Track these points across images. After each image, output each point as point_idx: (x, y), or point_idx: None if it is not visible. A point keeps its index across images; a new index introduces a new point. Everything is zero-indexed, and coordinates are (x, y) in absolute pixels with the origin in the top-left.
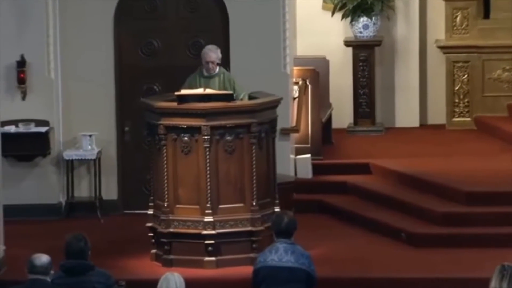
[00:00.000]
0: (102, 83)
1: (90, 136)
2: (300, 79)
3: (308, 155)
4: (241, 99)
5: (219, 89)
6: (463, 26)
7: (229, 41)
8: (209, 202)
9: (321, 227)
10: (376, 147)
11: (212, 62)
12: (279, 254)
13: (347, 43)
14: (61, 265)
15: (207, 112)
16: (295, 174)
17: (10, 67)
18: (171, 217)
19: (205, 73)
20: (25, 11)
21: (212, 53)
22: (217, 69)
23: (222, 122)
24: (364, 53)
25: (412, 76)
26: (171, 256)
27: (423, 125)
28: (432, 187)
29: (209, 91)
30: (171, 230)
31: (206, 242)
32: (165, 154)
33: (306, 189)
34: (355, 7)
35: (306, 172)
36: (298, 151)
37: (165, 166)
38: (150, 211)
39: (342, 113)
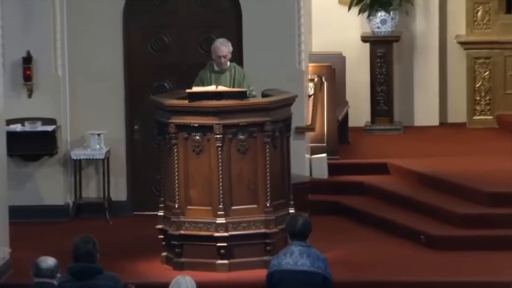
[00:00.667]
0: (111, 80)
1: (99, 135)
2: (315, 76)
3: (324, 155)
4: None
5: (230, 84)
6: (484, 21)
7: (242, 37)
8: (221, 203)
9: (337, 229)
10: (394, 146)
11: (224, 57)
12: (294, 257)
13: (364, 39)
14: (68, 268)
15: (220, 110)
16: (310, 174)
17: (16, 63)
18: (182, 219)
19: (216, 68)
20: (32, 6)
21: (224, 47)
22: (228, 63)
23: (235, 121)
24: (382, 49)
25: (432, 73)
26: (182, 259)
27: (443, 124)
28: (452, 188)
29: (221, 88)
30: (182, 232)
31: (218, 244)
32: (176, 154)
33: (322, 190)
34: (373, 1)
35: (321, 172)
36: (314, 151)
37: (176, 166)
38: (161, 213)
39: (359, 111)
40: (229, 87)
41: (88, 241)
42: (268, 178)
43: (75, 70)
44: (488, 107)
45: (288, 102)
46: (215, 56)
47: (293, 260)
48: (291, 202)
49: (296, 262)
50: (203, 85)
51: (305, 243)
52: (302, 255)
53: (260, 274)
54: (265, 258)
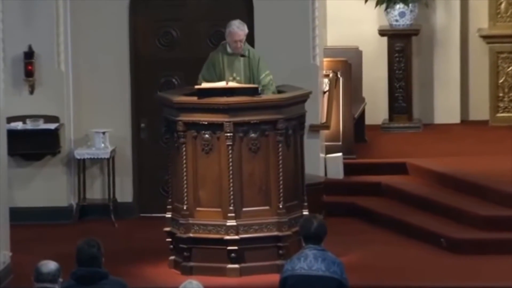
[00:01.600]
0: (117, 76)
1: (104, 133)
2: (330, 71)
3: (340, 154)
4: (262, 81)
5: (244, 68)
6: (508, 14)
7: (254, 31)
8: (232, 205)
9: (353, 232)
10: (413, 145)
11: (241, 41)
12: (309, 262)
13: (382, 32)
14: (72, 273)
15: (230, 107)
16: (325, 174)
17: (17, 58)
18: (190, 221)
19: (229, 50)
20: None
21: (240, 31)
22: (243, 46)
23: (246, 118)
24: (400, 43)
25: (453, 68)
26: (191, 263)
27: (465, 121)
28: (474, 189)
29: (232, 84)
30: (191, 235)
31: (229, 248)
32: (184, 153)
33: (337, 191)
34: None
35: (337, 172)
36: (329, 150)
37: (184, 165)
38: (168, 215)
39: (376, 108)
40: (243, 71)
41: (92, 244)
42: (281, 178)
43: (79, 65)
44: (511, 104)
45: (302, 99)
46: (230, 40)
47: (308, 264)
48: (305, 204)
49: (310, 267)
50: (214, 69)
51: (320, 247)
52: (317, 259)
53: (273, 279)
54: (278, 262)
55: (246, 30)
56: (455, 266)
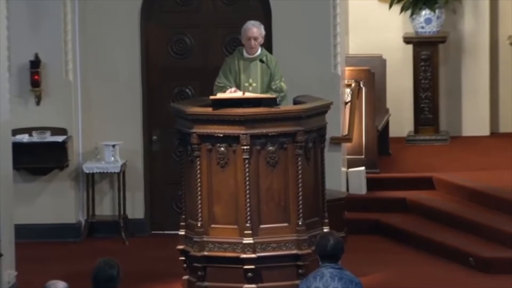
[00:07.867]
0: (127, 86)
1: (114, 146)
2: (352, 81)
3: (362, 168)
4: (275, 86)
5: (261, 74)
6: None
7: (272, 38)
8: (248, 222)
9: (377, 250)
10: (440, 158)
11: (255, 39)
12: (325, 281)
13: (407, 40)
14: None
15: (247, 119)
16: (347, 189)
17: (23, 67)
18: (205, 239)
19: (245, 55)
20: (40, 4)
21: (256, 28)
22: (260, 50)
23: (264, 130)
24: (427, 51)
25: (482, 77)
26: (206, 283)
27: (494, 134)
28: (505, 205)
29: (248, 94)
30: (206, 253)
31: (245, 267)
32: (198, 167)
33: (360, 207)
34: None
35: (359, 188)
36: (351, 163)
37: (198, 180)
38: (182, 232)
39: (401, 120)
40: (260, 77)
41: (113, 265)
42: (300, 193)
43: (88, 74)
44: None
45: (322, 110)
46: (245, 39)
47: (324, 284)
48: (326, 221)
49: (326, 286)
50: (230, 74)
51: (337, 265)
52: (334, 279)
53: None
54: (297, 282)
55: (263, 31)
56: (485, 287)
